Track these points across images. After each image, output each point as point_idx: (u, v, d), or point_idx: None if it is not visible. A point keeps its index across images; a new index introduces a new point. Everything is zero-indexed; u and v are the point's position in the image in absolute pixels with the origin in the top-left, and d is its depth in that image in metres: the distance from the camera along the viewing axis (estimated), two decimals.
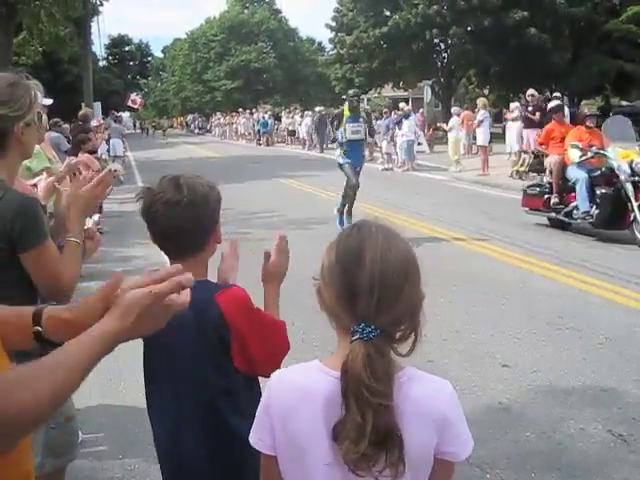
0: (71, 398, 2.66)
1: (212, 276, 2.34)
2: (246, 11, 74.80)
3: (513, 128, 19.91)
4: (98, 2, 37.71)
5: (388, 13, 39.66)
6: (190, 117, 68.79)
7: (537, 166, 17.16)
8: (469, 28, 35.25)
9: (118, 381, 5.34)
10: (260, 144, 40.11)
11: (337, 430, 1.49)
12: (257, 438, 1.66)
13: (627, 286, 7.76)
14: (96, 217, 8.98)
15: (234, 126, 48.92)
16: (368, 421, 1.44)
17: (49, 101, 6.54)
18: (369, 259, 1.52)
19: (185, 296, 1.43)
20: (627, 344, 6.00)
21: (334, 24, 44.69)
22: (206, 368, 2.19)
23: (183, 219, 2.15)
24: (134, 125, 70.37)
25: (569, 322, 6.59)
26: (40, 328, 1.59)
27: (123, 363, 4.81)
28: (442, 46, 40.53)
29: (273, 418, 1.62)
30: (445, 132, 28.86)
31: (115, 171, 2.76)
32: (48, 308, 1.64)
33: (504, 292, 7.66)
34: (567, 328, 6.45)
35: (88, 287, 7.63)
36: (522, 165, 17.90)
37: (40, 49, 29.14)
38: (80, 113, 15.47)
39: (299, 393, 1.59)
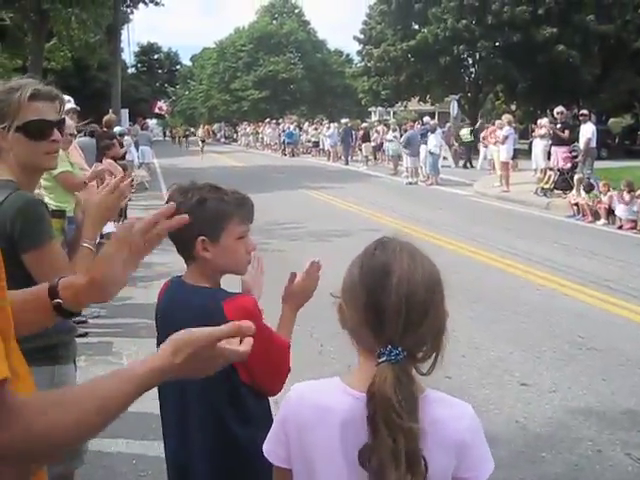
0: None
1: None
2: (275, 22, 75.05)
3: (540, 145, 19.82)
4: (129, 10, 38.11)
5: (416, 27, 39.77)
6: (217, 126, 69.10)
7: (562, 183, 17.13)
8: (497, 43, 35.19)
9: None
10: (285, 154, 40.15)
11: (364, 455, 1.46)
12: (270, 450, 1.65)
13: None
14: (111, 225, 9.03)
15: (259, 136, 49.09)
16: (401, 446, 1.42)
17: (69, 104, 6.56)
18: (396, 281, 1.50)
19: (246, 346, 1.39)
20: None
21: (362, 36, 44.86)
22: (212, 377, 2.19)
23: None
24: (164, 134, 70.74)
25: (590, 342, 6.52)
26: (60, 300, 1.62)
27: None
28: (470, 61, 40.53)
29: (289, 433, 1.61)
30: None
31: (132, 180, 2.74)
32: (62, 280, 1.67)
33: (525, 310, 7.60)
34: (588, 348, 6.38)
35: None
36: (547, 182, 17.79)
37: (70, 54, 29.44)
38: (104, 119, 15.53)
39: (318, 411, 1.57)
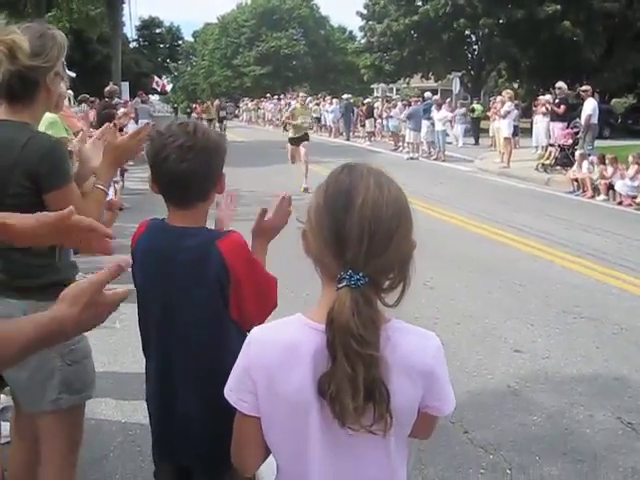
0: (86, 339, 2.70)
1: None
2: None
3: (541, 122, 19.74)
4: None
5: (419, 3, 39.40)
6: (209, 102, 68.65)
7: (563, 160, 17.05)
8: (500, 20, 34.85)
9: (124, 352, 5.33)
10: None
11: (324, 384, 1.42)
12: (237, 398, 1.58)
13: None
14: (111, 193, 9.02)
15: (261, 111, 48.83)
16: (359, 373, 1.38)
17: (72, 74, 6.62)
18: (359, 203, 1.43)
19: (122, 292, 1.47)
20: None
21: (365, 12, 44.48)
22: (205, 318, 2.17)
23: (195, 164, 2.13)
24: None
25: (585, 311, 6.50)
26: None
27: (128, 336, 4.81)
28: (473, 38, 40.23)
29: (256, 380, 1.54)
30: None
31: (152, 124, 2.83)
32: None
33: (522, 280, 7.56)
34: (583, 317, 6.36)
35: (99, 260, 7.70)
36: (548, 158, 17.71)
37: (68, 26, 29.23)
38: (106, 90, 15.51)
39: (284, 351, 1.51)
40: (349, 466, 1.55)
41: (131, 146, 2.67)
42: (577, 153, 15.60)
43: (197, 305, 2.17)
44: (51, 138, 2.55)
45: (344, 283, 1.42)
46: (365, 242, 1.42)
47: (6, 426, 3.63)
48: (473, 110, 28.57)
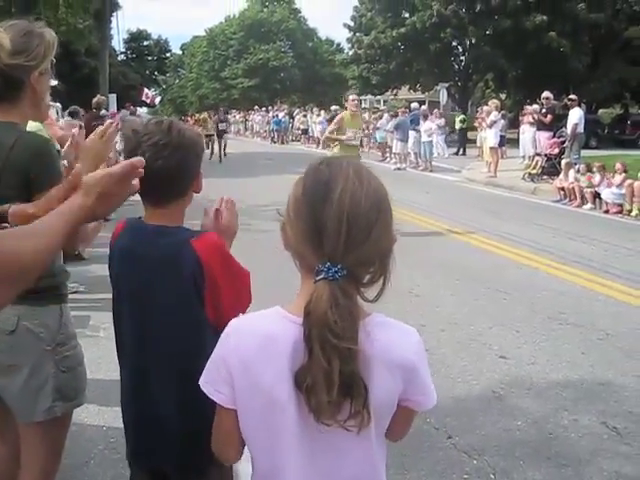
0: (81, 349, 2.71)
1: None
2: (265, 10, 74.56)
3: (528, 131, 19.81)
4: None
5: (407, 15, 39.56)
6: (206, 114, 68.77)
7: (550, 169, 17.11)
8: (487, 32, 35.03)
9: (108, 359, 5.27)
10: (275, 142, 40.05)
11: (300, 377, 1.40)
12: (213, 389, 1.56)
13: (633, 285, 7.64)
14: None
15: (249, 123, 48.90)
16: (335, 367, 1.35)
17: (54, 82, 6.58)
18: (338, 194, 1.41)
19: (136, 183, 1.65)
20: (628, 340, 5.91)
21: (352, 24, 44.61)
22: (179, 316, 2.14)
23: (171, 161, 2.11)
24: None
25: (571, 317, 6.49)
26: (8, 225, 1.73)
27: (112, 345, 4.75)
28: (460, 49, 40.39)
29: (232, 370, 1.51)
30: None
31: (117, 125, 2.76)
32: (12, 207, 1.80)
33: (507, 288, 7.55)
34: (568, 323, 6.35)
35: (87, 270, 7.66)
36: (534, 167, 17.77)
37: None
38: (94, 101, 15.46)
39: (260, 343, 1.48)
40: (328, 462, 1.52)
41: (102, 146, 2.54)
42: (563, 162, 15.64)
43: (172, 304, 2.14)
44: (40, 137, 2.53)
45: (322, 275, 1.40)
46: (343, 233, 1.39)
47: None
48: (464, 121, 28.61)
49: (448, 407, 4.52)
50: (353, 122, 10.37)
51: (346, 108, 11.11)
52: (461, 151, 28.04)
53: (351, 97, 11.29)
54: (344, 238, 1.39)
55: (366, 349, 1.40)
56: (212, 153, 25.74)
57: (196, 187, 2.26)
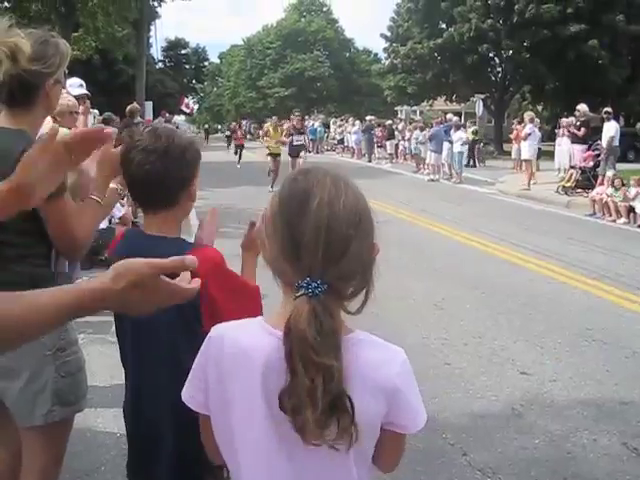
0: (81, 351, 2.70)
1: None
2: (303, 20, 74.96)
3: (564, 144, 19.61)
4: (156, 4, 38.25)
5: (443, 25, 39.49)
6: (243, 123, 69.16)
7: (584, 182, 16.90)
8: (525, 43, 34.79)
9: None
10: (310, 151, 40.15)
11: (283, 397, 1.35)
12: (189, 395, 1.55)
13: None
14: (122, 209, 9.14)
15: None
16: (318, 385, 1.31)
17: (83, 90, 6.67)
18: (315, 206, 1.36)
19: (195, 284, 1.37)
20: None
21: (389, 34, 44.66)
22: (176, 334, 2.13)
23: (155, 167, 2.10)
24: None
25: (597, 334, 6.37)
26: None
27: None
28: (497, 60, 40.15)
29: (208, 377, 1.50)
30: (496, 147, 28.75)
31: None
32: None
33: (534, 302, 7.45)
34: (594, 340, 6.23)
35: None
36: (569, 181, 17.56)
37: (94, 44, 29.60)
38: (128, 108, 15.61)
39: (238, 354, 1.46)
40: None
41: (114, 157, 2.61)
42: (599, 176, 15.44)
43: (167, 320, 2.11)
44: None
45: (302, 292, 1.35)
46: (321, 246, 1.35)
47: None
48: (475, 132, 28.36)
49: (465, 423, 4.46)
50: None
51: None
52: (471, 162, 27.83)
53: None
54: (323, 250, 1.35)
55: (347, 366, 1.35)
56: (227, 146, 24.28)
57: (189, 197, 2.24)
